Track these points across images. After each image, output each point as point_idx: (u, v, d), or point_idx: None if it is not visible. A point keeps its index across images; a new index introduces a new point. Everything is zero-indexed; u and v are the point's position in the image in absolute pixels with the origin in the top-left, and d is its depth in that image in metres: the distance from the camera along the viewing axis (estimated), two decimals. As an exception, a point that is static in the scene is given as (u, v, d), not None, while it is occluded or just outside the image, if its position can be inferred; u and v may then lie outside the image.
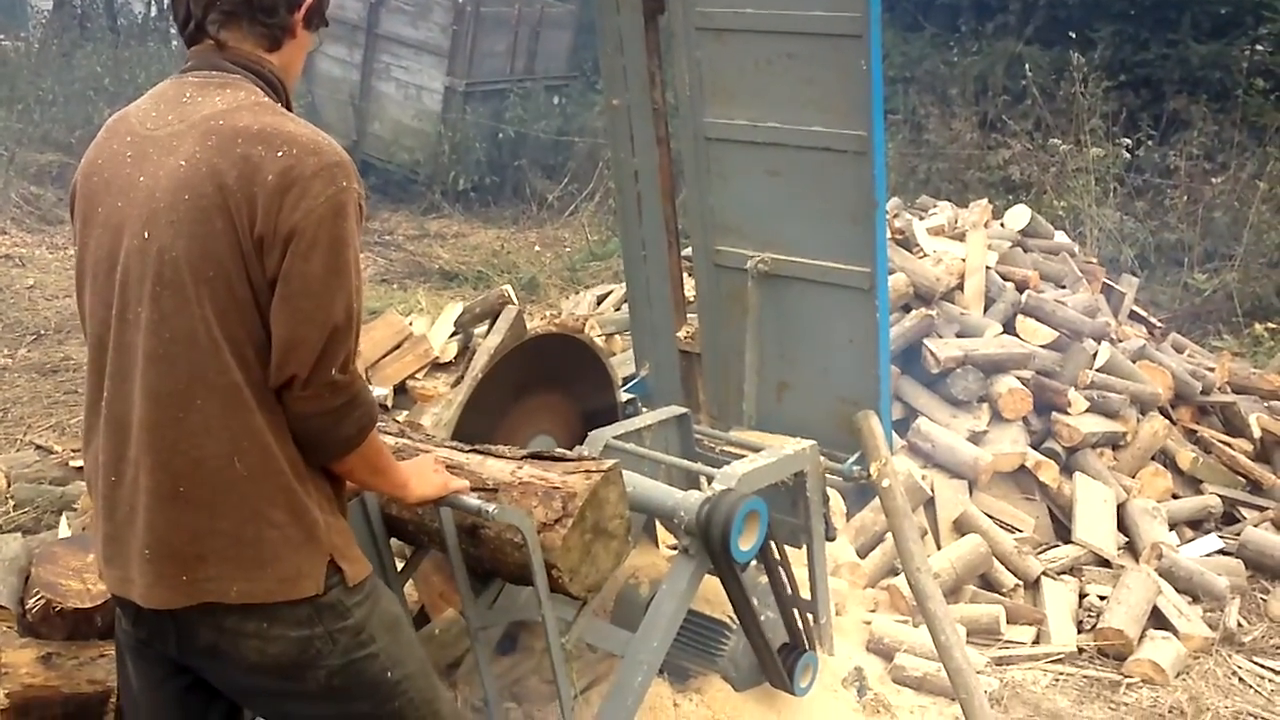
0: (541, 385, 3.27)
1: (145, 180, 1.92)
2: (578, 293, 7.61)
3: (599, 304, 6.63)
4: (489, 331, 5.89)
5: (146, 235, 1.90)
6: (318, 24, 2.10)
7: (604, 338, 5.76)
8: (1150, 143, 9.55)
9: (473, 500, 2.29)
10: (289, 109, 2.03)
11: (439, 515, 2.45)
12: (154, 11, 14.52)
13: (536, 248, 10.05)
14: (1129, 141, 9.32)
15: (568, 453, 2.64)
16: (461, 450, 2.61)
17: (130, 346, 1.92)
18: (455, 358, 5.90)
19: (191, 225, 1.87)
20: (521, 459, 2.53)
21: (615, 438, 3.18)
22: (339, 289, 1.88)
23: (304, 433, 1.94)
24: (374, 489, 2.36)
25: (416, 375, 5.66)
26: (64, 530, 4.01)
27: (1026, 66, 9.78)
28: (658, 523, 3.42)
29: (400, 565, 2.82)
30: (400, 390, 5.62)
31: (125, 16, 14.26)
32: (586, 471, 2.42)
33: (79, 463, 5.13)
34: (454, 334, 6.05)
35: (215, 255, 1.87)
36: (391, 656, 2.05)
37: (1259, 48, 10.61)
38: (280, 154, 1.87)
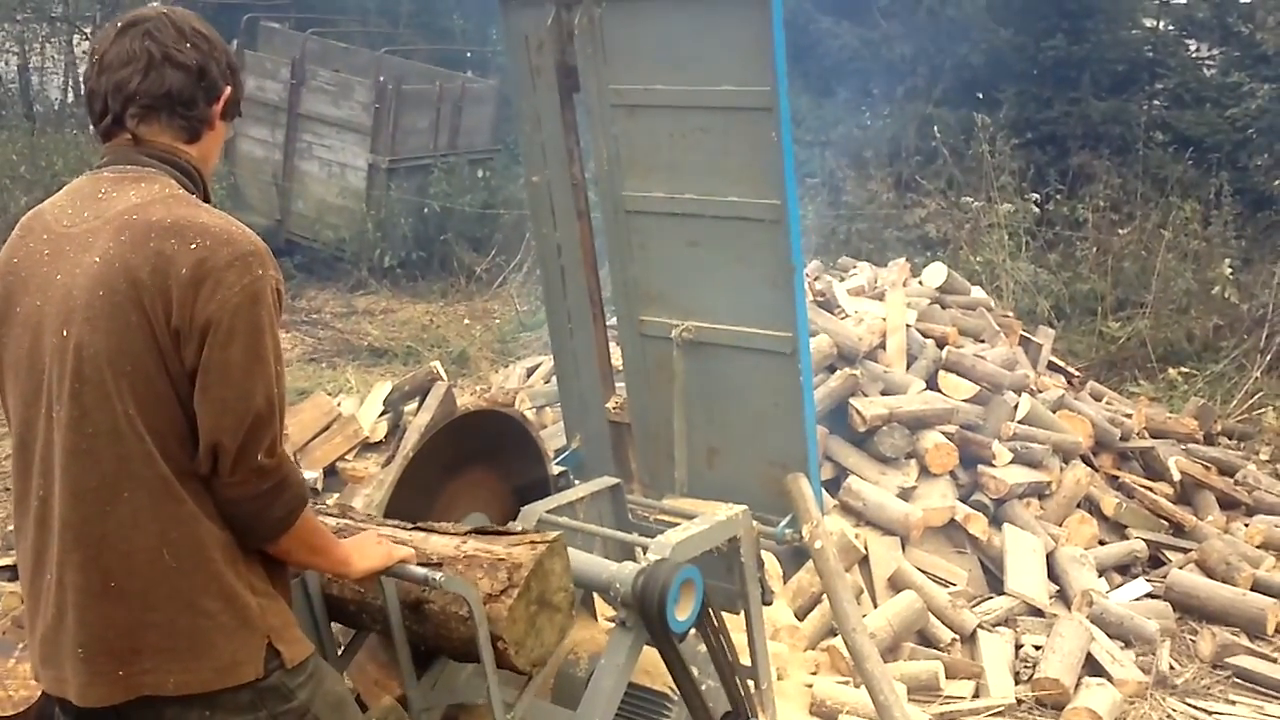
0: (473, 462, 3.25)
1: (62, 278, 1.93)
2: (508, 365, 7.60)
3: (529, 377, 6.63)
4: (419, 409, 5.87)
5: (65, 333, 1.90)
6: (233, 114, 2.12)
7: (534, 411, 5.76)
8: (1059, 197, 9.87)
9: (419, 569, 2.30)
10: (207, 199, 2.04)
11: (383, 591, 2.44)
12: (70, 98, 14.39)
13: (466, 321, 10.03)
14: (1038, 196, 9.63)
15: (512, 527, 2.67)
16: (404, 529, 2.62)
17: (53, 444, 1.92)
18: (385, 437, 5.86)
19: (108, 321, 1.88)
20: (465, 534, 2.55)
21: (549, 511, 3.17)
22: (259, 377, 1.90)
23: (235, 517, 1.95)
24: (315, 568, 2.36)
25: (347, 456, 5.60)
26: (-19, 634, 3.87)
27: (936, 128, 10.08)
28: (595, 596, 3.40)
29: (340, 650, 2.78)
30: (330, 472, 5.56)
31: (41, 103, 14.11)
32: (531, 543, 2.45)
33: (1, 562, 4.98)
34: (384, 413, 6.01)
35: (132, 350, 1.88)
36: None
37: (1156, 102, 11.07)
38: (194, 246, 1.88)
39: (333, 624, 2.69)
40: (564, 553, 2.47)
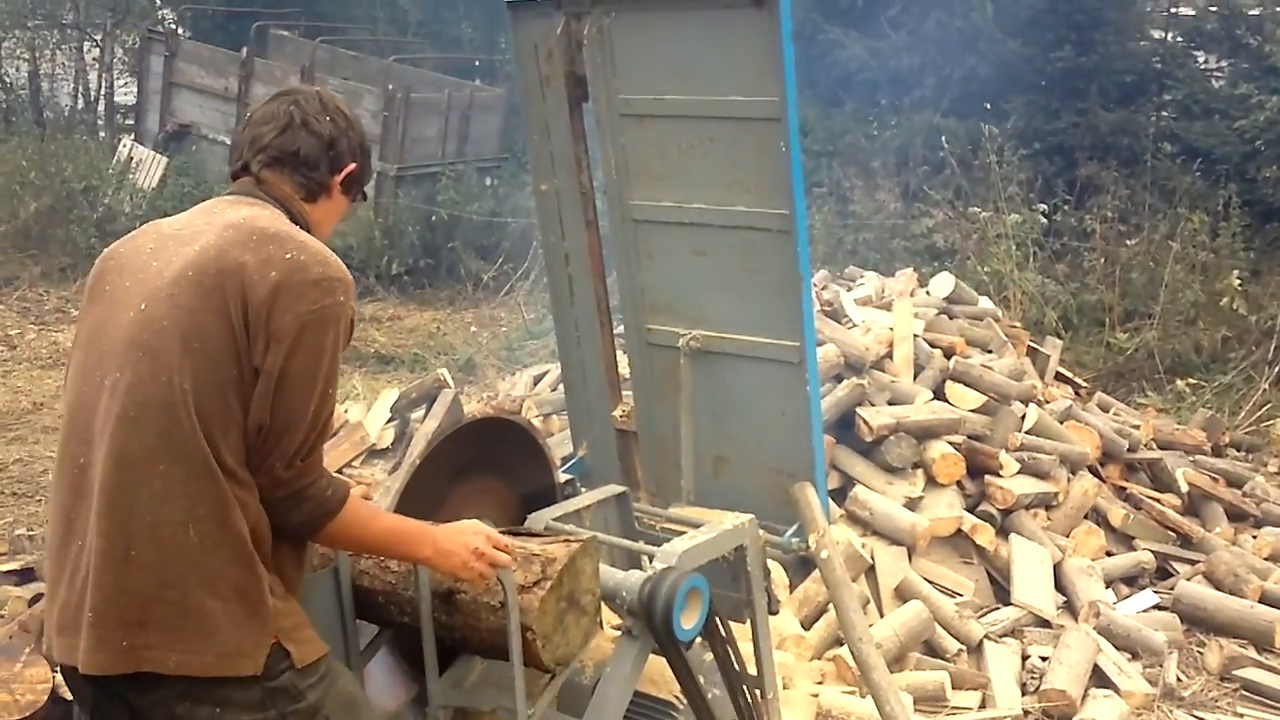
0: (479, 470, 3.25)
1: (158, 265, 2.05)
2: (515, 373, 7.61)
3: (535, 384, 6.64)
4: (426, 416, 5.88)
5: (143, 307, 2.01)
6: (356, 193, 2.26)
7: (541, 419, 5.76)
8: (1066, 207, 9.86)
9: None
10: None
11: (416, 581, 2.51)
12: (81, 104, 14.45)
13: (473, 328, 10.05)
14: (1045, 207, 9.62)
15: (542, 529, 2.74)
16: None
17: (104, 411, 1.99)
18: (392, 444, 5.87)
19: (189, 299, 1.98)
20: (500, 533, 2.59)
21: (555, 519, 3.17)
22: (307, 391, 1.99)
23: (269, 510, 2.05)
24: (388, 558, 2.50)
25: (354, 463, 5.61)
26: (-11, 639, 3.88)
27: (943, 138, 10.08)
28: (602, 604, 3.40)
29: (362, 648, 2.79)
30: (337, 478, 5.56)
31: (51, 109, 14.17)
32: (565, 541, 2.53)
33: (7, 567, 4.99)
34: (390, 419, 6.02)
35: (204, 329, 1.97)
36: None
37: (1164, 114, 11.06)
38: (289, 256, 2.00)
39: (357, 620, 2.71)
40: (595, 555, 2.55)
